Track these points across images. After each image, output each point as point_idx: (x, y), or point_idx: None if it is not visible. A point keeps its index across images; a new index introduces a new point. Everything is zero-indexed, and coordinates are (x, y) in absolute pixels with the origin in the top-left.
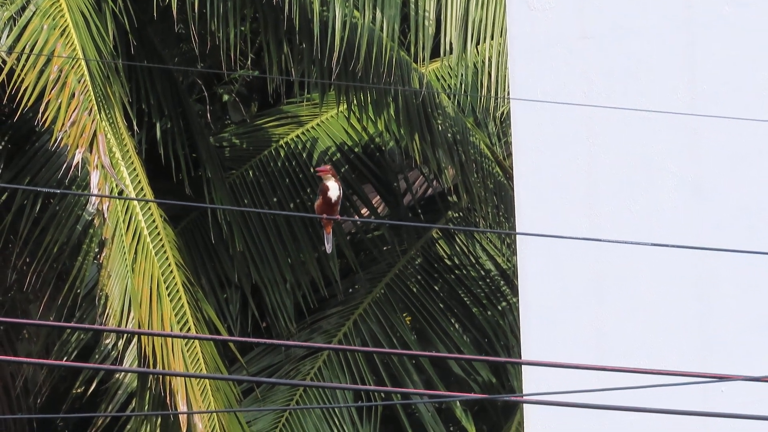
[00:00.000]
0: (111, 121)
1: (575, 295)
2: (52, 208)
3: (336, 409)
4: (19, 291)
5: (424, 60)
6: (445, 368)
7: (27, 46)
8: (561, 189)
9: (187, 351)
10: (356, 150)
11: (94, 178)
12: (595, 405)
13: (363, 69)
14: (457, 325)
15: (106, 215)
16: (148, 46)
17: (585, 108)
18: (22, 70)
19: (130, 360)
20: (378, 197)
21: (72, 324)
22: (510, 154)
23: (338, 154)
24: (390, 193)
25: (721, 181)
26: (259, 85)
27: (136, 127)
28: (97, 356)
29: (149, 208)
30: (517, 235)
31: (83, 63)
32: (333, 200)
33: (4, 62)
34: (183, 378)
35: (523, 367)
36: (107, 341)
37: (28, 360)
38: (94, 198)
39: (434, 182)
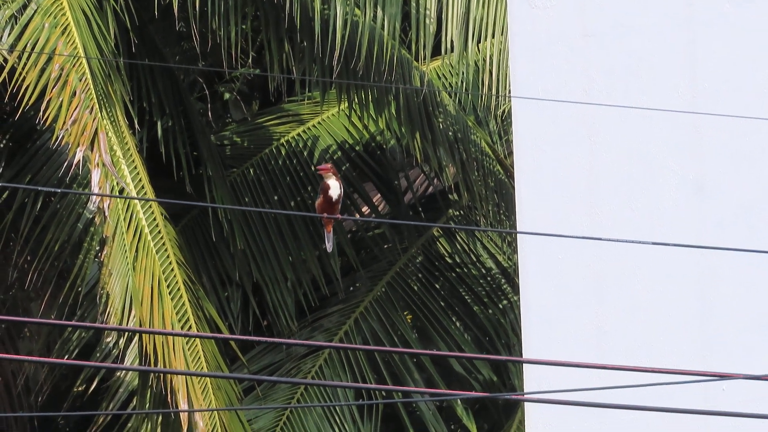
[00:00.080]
0: (112, 119)
1: (576, 293)
2: (53, 206)
3: (337, 408)
4: (20, 289)
5: (425, 58)
6: (446, 366)
7: (28, 45)
8: (562, 187)
9: (188, 349)
10: (357, 148)
11: (95, 176)
12: (595, 403)
13: (364, 67)
14: (458, 324)
15: (107, 213)
16: (149, 45)
17: (586, 106)
18: (23, 69)
19: (131, 358)
20: (379, 195)
21: (73, 322)
22: (511, 153)
23: (339, 153)
24: (391, 191)
25: (722, 180)
26: (260, 83)
27: (137, 126)
28: (98, 354)
29: (150, 207)
30: (518, 234)
31: (84, 61)
32: (334, 199)
33: (6, 60)
34: (184, 376)
35: (524, 365)
36: (108, 339)
37: (30, 358)
38: (95, 196)
39: (435, 180)
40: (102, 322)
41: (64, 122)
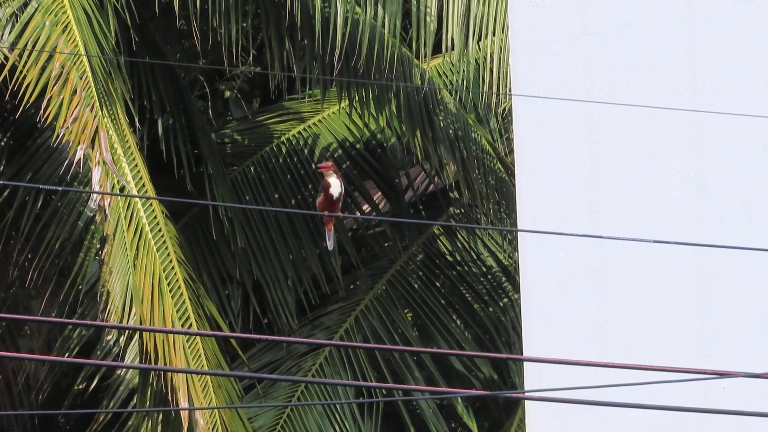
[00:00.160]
0: (113, 117)
1: (577, 291)
2: (54, 204)
3: (337, 406)
4: (20, 287)
5: (425, 56)
6: (446, 364)
7: (29, 43)
8: (562, 185)
9: (189, 347)
10: (358, 146)
11: (96, 174)
12: (596, 401)
13: (365, 65)
14: (458, 322)
15: (107, 212)
16: (149, 43)
17: (587, 104)
18: (24, 67)
19: (131, 356)
20: (379, 193)
21: (74, 320)
22: (511, 151)
23: (340, 151)
24: (391, 189)
25: (723, 178)
26: (260, 81)
27: (137, 124)
28: (98, 353)
29: (151, 205)
30: (519, 232)
31: (85, 59)
32: (335, 197)
33: (7, 59)
34: (184, 374)
35: (525, 363)
36: (109, 338)
37: (30, 356)
38: (95, 194)
39: (436, 178)
40: (102, 320)
41: (65, 120)
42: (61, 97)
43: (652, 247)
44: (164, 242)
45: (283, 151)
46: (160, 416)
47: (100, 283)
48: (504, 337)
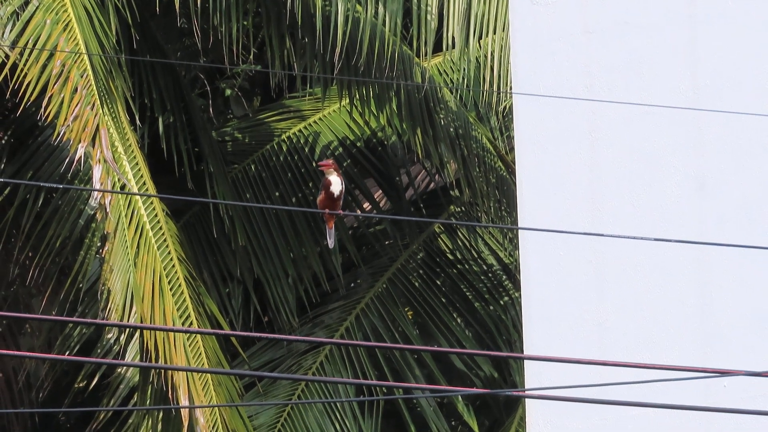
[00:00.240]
0: (113, 115)
1: (577, 290)
2: (55, 202)
3: (338, 404)
4: (21, 285)
5: (426, 54)
6: (447, 363)
7: (30, 41)
8: (563, 184)
9: (189, 345)
10: (358, 144)
11: (97, 172)
12: (596, 400)
13: (365, 63)
14: (459, 320)
15: (108, 210)
16: (150, 41)
17: (587, 103)
18: (25, 65)
19: (132, 354)
20: (380, 192)
21: (74, 318)
22: (512, 149)
23: (340, 149)
24: (392, 187)
25: (724, 177)
26: (261, 79)
27: (138, 122)
28: (99, 351)
29: (151, 203)
30: (519, 230)
31: (86, 58)
32: (335, 195)
33: (8, 57)
34: (185, 372)
35: (525, 361)
36: (109, 336)
37: (31, 354)
38: (96, 192)
39: (436, 177)
40: (103, 318)
41: (66, 118)
42: (62, 95)
43: (653, 245)
44: (165, 240)
45: (284, 149)
46: (161, 414)
47: (100, 281)
48: (504, 335)
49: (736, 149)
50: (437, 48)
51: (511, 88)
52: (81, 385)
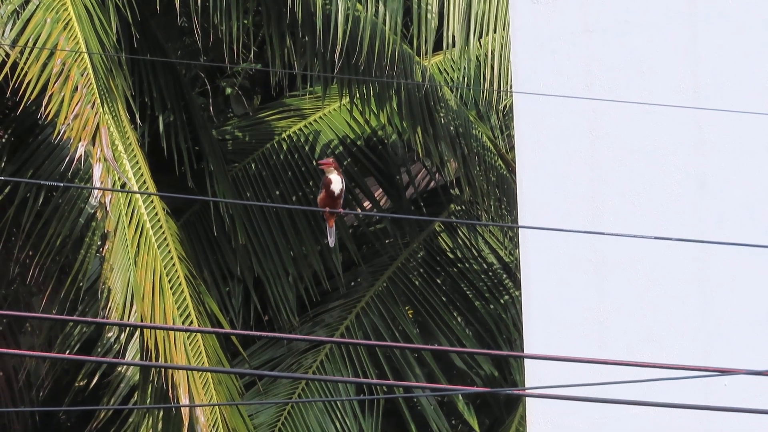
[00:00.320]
0: (114, 114)
1: (577, 288)
2: (55, 201)
3: (338, 403)
4: (21, 284)
5: (426, 53)
6: (447, 362)
7: (30, 40)
8: (563, 182)
9: (190, 344)
10: (359, 143)
11: (97, 171)
12: (597, 399)
13: (365, 62)
14: (459, 319)
15: (108, 208)
16: (151, 40)
17: (588, 101)
18: (25, 64)
19: (132, 353)
20: (380, 190)
21: (74, 317)
22: (512, 147)
23: (341, 147)
24: (392, 186)
25: (724, 175)
26: (261, 78)
27: (138, 120)
28: (99, 349)
29: (152, 201)
30: (520, 228)
31: (86, 56)
32: (336, 193)
33: (8, 56)
34: (185, 371)
35: (526, 360)
36: (109, 334)
37: (31, 353)
38: (96, 191)
39: (437, 175)
40: (103, 316)
41: (66, 117)
42: (62, 94)
43: (653, 243)
44: (165, 239)
45: (284, 147)
46: (161, 413)
47: (100, 280)
48: (505, 334)
49: (737, 148)
50: (437, 47)
51: (511, 87)
52: (81, 383)
